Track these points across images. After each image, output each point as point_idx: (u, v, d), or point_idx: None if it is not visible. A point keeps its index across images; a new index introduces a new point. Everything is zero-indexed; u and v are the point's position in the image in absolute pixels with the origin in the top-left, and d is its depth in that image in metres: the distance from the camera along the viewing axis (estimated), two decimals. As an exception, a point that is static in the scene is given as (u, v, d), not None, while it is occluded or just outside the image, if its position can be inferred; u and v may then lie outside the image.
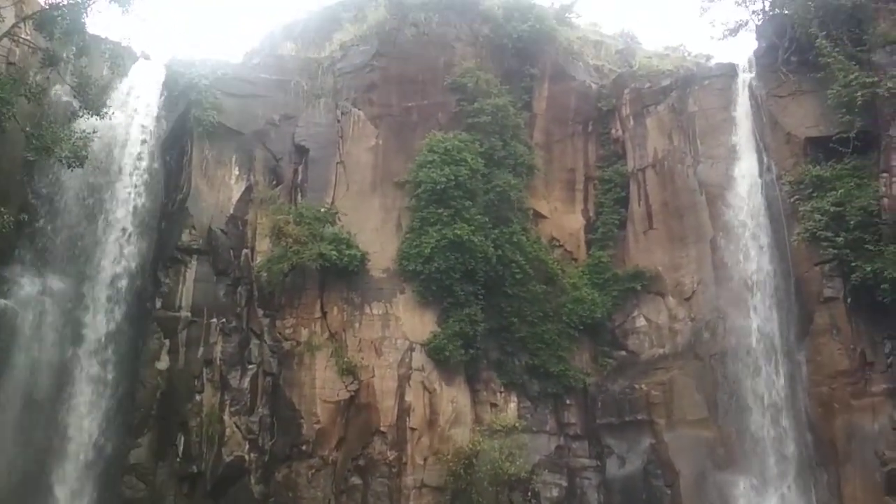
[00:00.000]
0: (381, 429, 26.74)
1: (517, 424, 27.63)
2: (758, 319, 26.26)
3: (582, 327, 29.20)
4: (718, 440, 25.54)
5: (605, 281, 29.99)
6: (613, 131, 32.39)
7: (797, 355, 25.21)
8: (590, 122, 33.06)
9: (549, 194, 31.92)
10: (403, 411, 26.96)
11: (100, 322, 24.22)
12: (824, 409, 24.07)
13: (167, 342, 25.71)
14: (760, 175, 27.54)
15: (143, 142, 27.01)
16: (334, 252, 27.10)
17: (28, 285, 23.20)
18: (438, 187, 28.06)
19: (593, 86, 33.56)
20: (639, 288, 29.31)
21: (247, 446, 25.95)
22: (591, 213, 31.92)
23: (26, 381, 21.97)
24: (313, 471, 25.92)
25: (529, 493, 26.39)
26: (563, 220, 31.78)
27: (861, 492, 22.74)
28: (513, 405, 28.66)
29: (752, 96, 28.56)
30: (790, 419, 24.83)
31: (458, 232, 27.50)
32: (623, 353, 29.19)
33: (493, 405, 28.55)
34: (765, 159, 27.66)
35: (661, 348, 28.39)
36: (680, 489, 25.39)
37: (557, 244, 31.42)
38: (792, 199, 26.15)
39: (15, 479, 21.34)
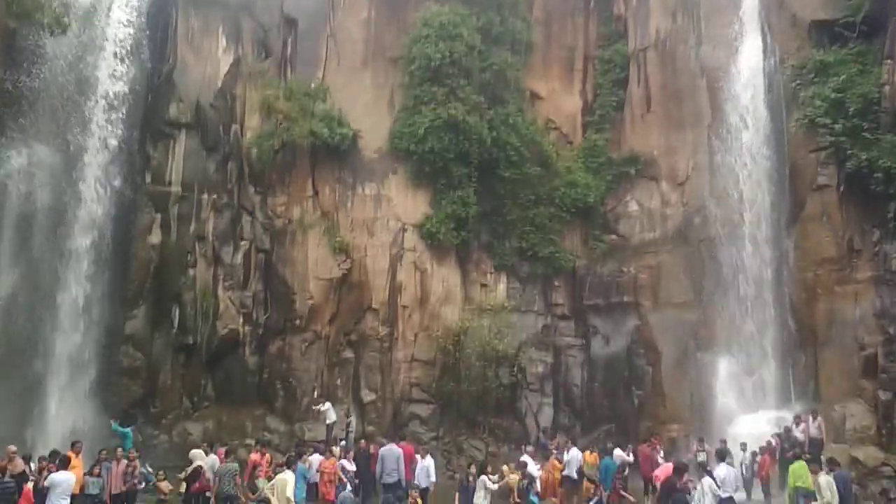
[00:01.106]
0: (373, 306, 27.27)
1: (506, 304, 28.20)
2: (749, 205, 26.25)
3: (574, 211, 29.21)
4: (702, 322, 26.12)
5: (599, 165, 29.75)
6: (615, 9, 31.19)
7: (785, 241, 25.42)
8: (591, -2, 31.82)
9: (546, 74, 31.07)
10: (395, 289, 27.41)
11: (90, 194, 23.99)
12: (808, 295, 24.53)
13: (158, 217, 25.73)
14: (763, 59, 26.76)
15: (128, 7, 25.79)
16: (325, 130, 26.68)
17: (15, 157, 22.82)
18: (433, 64, 27.26)
19: (596, -40, 32.05)
20: (633, 172, 29.11)
21: (241, 320, 26.52)
22: (589, 96, 31.20)
23: (20, 254, 21.97)
24: (306, 344, 26.63)
25: (516, 369, 27.24)
26: (561, 101, 31.10)
27: (837, 374, 23.50)
28: (502, 286, 29.12)
29: (759, -24, 27.38)
30: (774, 304, 25.30)
31: (453, 112, 26.94)
32: (613, 236, 29.36)
33: (483, 285, 29.01)
34: (769, 42, 26.80)
35: (652, 233, 28.53)
36: (661, 368, 26.21)
37: (553, 126, 30.91)
38: (793, 85, 25.60)
39: (16, 342, 21.65)
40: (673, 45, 28.91)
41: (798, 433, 20.41)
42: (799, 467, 15.58)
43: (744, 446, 20.34)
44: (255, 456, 17.13)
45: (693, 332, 26.23)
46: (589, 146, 30.23)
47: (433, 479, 17.84)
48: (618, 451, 19.44)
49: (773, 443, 20.55)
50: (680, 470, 13.58)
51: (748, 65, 26.90)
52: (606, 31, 31.47)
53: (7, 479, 13.84)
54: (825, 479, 12.32)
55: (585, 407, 27.62)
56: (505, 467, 17.54)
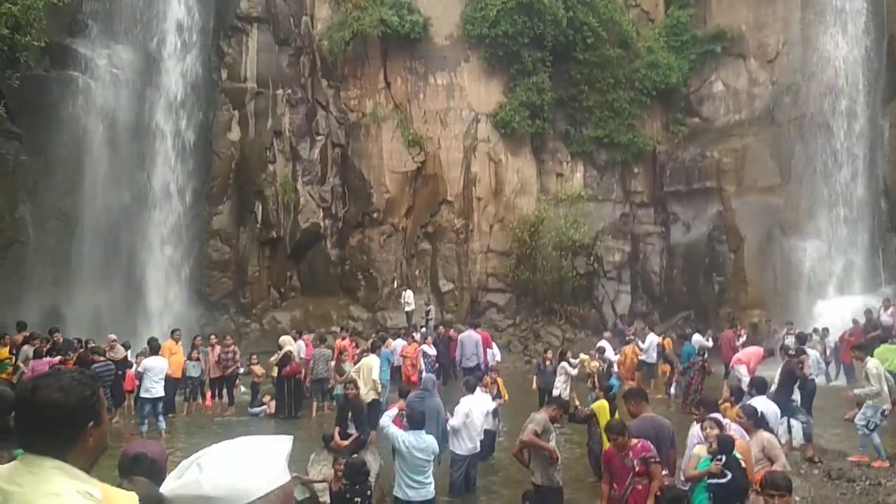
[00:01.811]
0: (448, 198, 27.36)
1: (582, 193, 27.79)
2: (843, 81, 24.64)
3: (655, 94, 28.04)
4: (788, 206, 25.19)
5: (682, 43, 28.23)
6: None
7: (881, 120, 23.90)
8: None
9: (626, -52, 29.19)
10: (469, 181, 27.34)
11: (171, 90, 24.45)
12: (904, 175, 23.24)
13: (236, 113, 26.07)
14: (866, -80, 24.37)
15: None
16: (396, 18, 26.08)
17: (97, 58, 23.29)
18: (504, -59, 25.94)
19: None
20: (719, 50, 27.57)
21: (321, 214, 27.12)
22: (672, -32, 29.26)
23: (107, 153, 22.75)
24: (385, 236, 27.12)
25: (592, 258, 27.13)
26: (641, -24, 29.31)
27: (930, 255, 22.53)
28: (579, 174, 28.65)
29: None
30: (865, 184, 24.12)
31: (526, -9, 25.80)
32: (696, 119, 28.22)
33: (559, 175, 28.60)
34: None
35: (738, 114, 27.27)
36: (744, 254, 25.59)
37: (633, 4, 29.34)
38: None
39: (116, 242, 22.78)
40: None
41: (886, 317, 19.80)
42: (885, 350, 15.24)
43: (826, 331, 19.93)
44: (341, 342, 17.91)
45: (778, 216, 25.36)
46: (672, 23, 28.63)
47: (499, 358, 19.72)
48: (696, 337, 19.39)
49: (857, 327, 20.07)
50: (798, 352, 13.59)
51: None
52: None
53: (108, 361, 14.91)
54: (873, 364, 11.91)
55: (664, 294, 27.47)
56: (584, 355, 17.80)
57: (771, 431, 8.82)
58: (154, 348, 15.38)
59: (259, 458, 1.94)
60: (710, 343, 19.67)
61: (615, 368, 17.66)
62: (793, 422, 12.33)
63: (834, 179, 24.63)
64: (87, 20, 23.78)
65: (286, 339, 17.30)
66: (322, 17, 27.22)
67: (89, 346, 15.87)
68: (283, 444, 1.99)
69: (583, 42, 27.30)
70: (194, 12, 24.96)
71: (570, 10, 26.76)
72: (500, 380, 14.28)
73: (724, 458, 7.15)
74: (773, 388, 12.46)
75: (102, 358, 14.66)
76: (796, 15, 25.98)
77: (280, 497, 1.95)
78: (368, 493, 8.17)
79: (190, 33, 24.78)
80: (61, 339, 16.78)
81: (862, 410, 11.66)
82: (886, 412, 11.57)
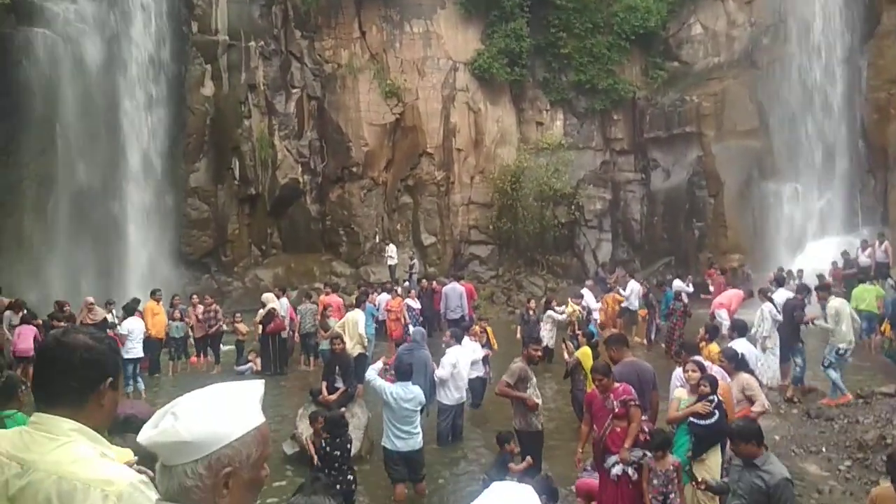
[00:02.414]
0: (428, 150, 27.14)
1: (563, 142, 27.70)
2: (821, 21, 24.50)
3: (633, 38, 27.72)
4: (767, 150, 25.24)
5: (661, -15, 27.82)
6: None
7: (858, 59, 23.87)
8: None
9: None
10: (449, 132, 27.10)
11: (140, 44, 23.82)
12: (880, 116, 23.31)
13: (208, 68, 25.45)
14: None
15: None
16: (369, -36, 25.46)
17: (63, 13, 22.57)
18: None
19: None
20: (697, -9, 27.23)
21: (299, 169, 26.81)
22: None
23: (78, 110, 22.24)
24: (365, 191, 26.92)
25: (573, 207, 27.17)
26: (618, -84, 28.69)
27: (907, 198, 22.75)
28: (559, 123, 28.48)
29: None
30: (843, 126, 24.20)
31: (502, -67, 25.25)
32: (675, 64, 28.01)
33: (539, 124, 28.41)
34: None
35: (717, 57, 27.10)
36: (724, 199, 25.69)
37: (611, -54, 28.74)
38: None
39: (90, 191, 22.40)
40: None
41: (864, 258, 20.08)
42: (862, 290, 15.50)
43: (800, 273, 20.13)
44: (325, 297, 17.90)
45: (758, 160, 25.43)
46: (649, -34, 28.16)
47: None
48: (677, 282, 19.56)
49: (836, 268, 20.35)
50: (801, 290, 13.97)
51: None
52: None
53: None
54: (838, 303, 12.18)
55: (644, 241, 27.64)
56: (572, 303, 17.92)
57: (751, 373, 8.97)
58: (130, 309, 15.31)
59: (233, 402, 1.96)
60: (691, 288, 19.85)
61: (594, 316, 17.80)
62: (797, 360, 12.61)
63: (812, 121, 24.66)
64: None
65: (269, 297, 17.23)
66: (293, -36, 26.49)
67: (51, 313, 15.59)
68: (255, 389, 2.01)
69: (561, -15, 26.85)
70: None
71: (547, -47, 26.26)
72: (489, 329, 14.37)
73: (715, 398, 7.26)
74: (763, 328, 12.71)
75: (61, 324, 14.35)
76: (775, -46, 25.64)
77: (256, 438, 1.96)
78: (348, 446, 8.24)
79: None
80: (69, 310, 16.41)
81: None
82: (842, 351, 11.85)
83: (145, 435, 1.91)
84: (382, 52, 27.02)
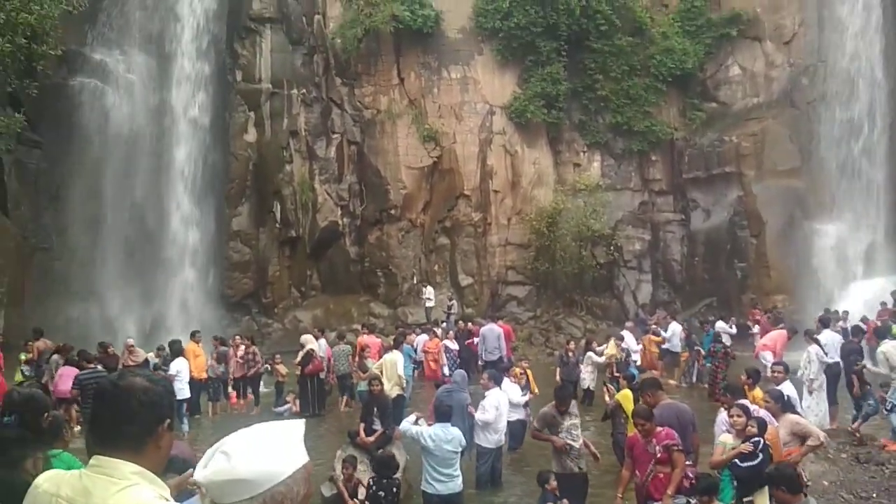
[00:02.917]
0: (465, 192, 27.33)
1: (600, 183, 27.64)
2: (863, 61, 24.29)
3: (671, 80, 27.77)
4: (810, 189, 24.90)
5: (697, 28, 27.94)
6: None
7: (904, 97, 23.59)
8: None
9: (638, -68, 28.92)
10: (486, 174, 27.29)
11: (187, 93, 24.64)
12: (927, 153, 22.92)
13: (252, 115, 26.19)
14: None
15: None
16: (407, 13, 26.05)
17: (113, 63, 23.51)
18: (515, -68, 25.85)
19: None
20: (734, 33, 27.26)
21: (339, 212, 27.24)
22: (685, -48, 28.96)
23: (126, 157, 22.97)
24: (403, 232, 27.16)
25: (612, 247, 26.99)
26: (654, -39, 29.04)
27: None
28: (596, 164, 28.48)
29: None
30: (887, 164, 23.79)
31: (538, -19, 25.68)
32: (713, 104, 27.93)
33: (576, 165, 28.45)
34: None
35: (755, 97, 26.97)
36: (766, 239, 25.32)
37: (646, -11, 29.04)
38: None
39: (136, 235, 22.96)
40: None
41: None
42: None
43: (846, 314, 19.69)
44: (364, 338, 17.97)
45: (800, 200, 25.08)
46: (686, 8, 28.35)
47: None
48: (720, 324, 19.24)
49: (885, 309, 19.82)
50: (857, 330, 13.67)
51: None
52: None
53: (96, 367, 14.66)
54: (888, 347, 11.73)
55: (685, 282, 27.28)
56: (612, 344, 17.69)
57: (797, 414, 8.74)
58: (177, 351, 15.51)
59: (282, 440, 2.02)
60: (734, 330, 19.49)
61: (633, 357, 17.54)
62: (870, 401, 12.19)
63: (855, 160, 24.30)
64: (101, 27, 23.98)
65: (307, 338, 17.36)
66: (334, 16, 27.27)
67: (79, 351, 15.73)
68: (298, 427, 2.07)
69: (596, 30, 27.13)
70: (207, 15, 25.09)
71: (582, -1, 26.61)
72: (529, 371, 14.24)
73: (760, 441, 7.09)
74: (809, 370, 12.40)
75: (91, 365, 14.44)
76: (813, -5, 25.65)
77: (304, 476, 2.02)
78: (394, 489, 8.18)
79: (203, 36, 24.93)
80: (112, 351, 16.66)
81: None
82: None
83: (200, 474, 1.95)
84: (421, 97, 27.47)
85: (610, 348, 17.05)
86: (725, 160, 26.37)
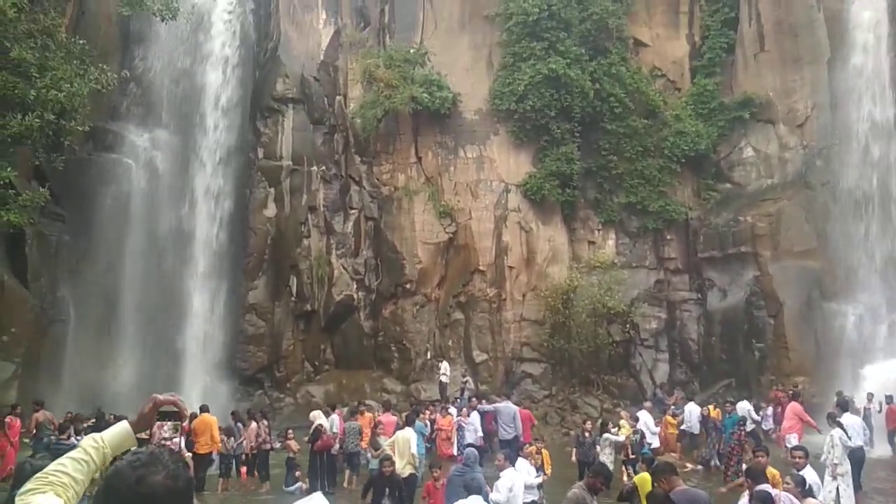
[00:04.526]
0: (480, 268, 27.41)
1: (616, 260, 27.66)
2: (878, 146, 24.55)
3: (684, 161, 28.13)
4: (826, 270, 24.78)
5: (710, 111, 28.46)
6: (722, -55, 29.56)
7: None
8: (696, -65, 30.26)
9: (650, 20, 29.89)
10: (501, 251, 27.42)
11: (208, 170, 25.22)
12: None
13: (272, 191, 26.70)
14: (889, -17, 24.77)
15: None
16: (426, 95, 26.77)
17: (138, 140, 24.21)
18: (531, 19, 26.77)
19: None
20: (747, 116, 27.72)
21: (354, 286, 27.34)
22: (697, 38, 29.79)
23: (146, 232, 23.37)
24: (418, 307, 27.15)
25: (628, 326, 26.77)
26: (666, 47, 29.87)
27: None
28: (611, 242, 28.57)
29: None
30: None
31: (553, 66, 26.40)
32: (728, 185, 28.16)
33: (591, 243, 28.55)
34: (893, -32, 24.79)
35: (770, 179, 27.19)
36: (784, 319, 25.05)
37: (659, 74, 29.79)
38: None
39: (153, 315, 23.12)
40: (786, -22, 27.18)
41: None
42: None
43: (870, 396, 19.30)
44: (378, 416, 17.73)
45: (818, 280, 24.93)
46: (698, 92, 28.97)
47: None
48: (742, 404, 18.80)
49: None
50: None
51: (870, -8, 25.00)
52: (712, -31, 29.89)
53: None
54: None
55: (703, 362, 26.89)
56: (623, 417, 17.30)
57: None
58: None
59: None
60: (759, 416, 19.04)
61: (648, 439, 17.12)
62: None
63: (872, 241, 24.24)
64: (129, 104, 24.80)
65: (316, 414, 17.17)
66: (355, 97, 28.09)
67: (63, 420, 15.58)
68: (319, 499, 2.06)
69: (610, 112, 27.70)
70: (232, 96, 25.90)
71: (596, 83, 27.28)
72: (545, 451, 13.93)
73: None
74: (833, 455, 12.05)
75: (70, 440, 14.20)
76: (824, 80, 26.14)
77: None
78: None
79: (227, 115, 25.67)
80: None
81: None
82: None
83: None
84: (437, 175, 27.94)
85: (624, 428, 16.70)
86: (741, 240, 26.40)
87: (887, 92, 24.48)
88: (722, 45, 28.97)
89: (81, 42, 20.61)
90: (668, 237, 28.40)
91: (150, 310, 23.24)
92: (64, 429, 15.40)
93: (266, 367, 26.06)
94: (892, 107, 24.39)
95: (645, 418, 17.67)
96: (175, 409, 2.81)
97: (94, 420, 16.36)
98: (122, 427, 2.64)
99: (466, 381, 24.91)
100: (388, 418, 17.43)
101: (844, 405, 15.11)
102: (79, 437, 14.71)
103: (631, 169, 28.09)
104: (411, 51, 27.99)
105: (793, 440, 14.52)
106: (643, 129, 28.07)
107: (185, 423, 15.57)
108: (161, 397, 2.74)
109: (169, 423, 2.77)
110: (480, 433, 18.25)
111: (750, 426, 17.55)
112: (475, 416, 18.69)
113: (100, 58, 21.33)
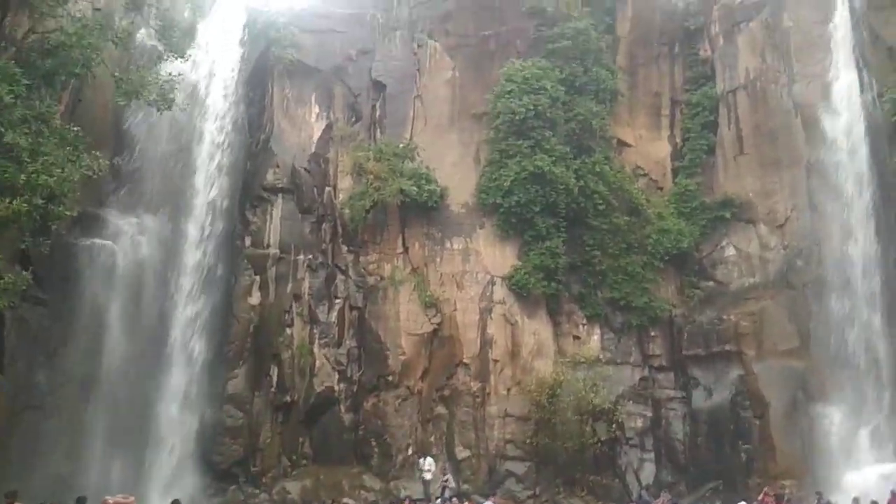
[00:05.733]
0: (465, 360, 27.16)
1: (600, 356, 27.57)
2: (857, 247, 25.03)
3: (667, 258, 28.54)
4: (812, 370, 24.83)
5: (692, 210, 29.10)
6: (702, 52, 31.01)
7: (897, 280, 24.07)
8: (676, 42, 31.66)
9: (633, 121, 30.92)
10: (486, 343, 27.25)
11: (194, 259, 25.13)
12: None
13: (258, 278, 26.53)
14: (860, 93, 25.86)
15: (227, 83, 27.24)
16: (414, 188, 27.20)
17: (125, 226, 24.21)
18: (517, 118, 27.55)
19: (680, 3, 31.96)
20: (728, 216, 28.33)
21: (336, 377, 26.87)
22: (678, 140, 30.79)
23: (128, 319, 23.09)
24: (400, 400, 26.67)
25: (613, 424, 26.36)
26: (649, 147, 30.79)
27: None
28: (596, 337, 28.50)
29: (851, 9, 26.72)
30: (887, 347, 23.83)
31: (539, 163, 27.02)
32: (711, 283, 28.47)
33: (576, 337, 28.48)
34: (865, 77, 25.95)
35: (752, 278, 27.54)
36: (770, 420, 24.85)
37: (642, 173, 30.56)
38: (894, 119, 24.54)
39: (129, 397, 22.54)
40: (764, 85, 28.40)
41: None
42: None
43: (856, 501, 19.03)
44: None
45: (802, 381, 24.96)
46: (680, 191, 29.68)
47: None
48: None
49: (893, 497, 19.12)
50: None
51: (844, 101, 26.13)
52: (693, 74, 31.20)
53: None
54: None
55: (689, 463, 26.44)
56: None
57: None
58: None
59: None
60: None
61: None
62: None
63: (855, 342, 24.37)
64: (118, 190, 24.94)
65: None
66: (344, 188, 28.46)
67: None
68: None
69: (594, 209, 28.21)
70: (222, 186, 26.12)
71: (581, 180, 27.87)
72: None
73: None
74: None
75: None
76: (803, 182, 26.92)
77: None
78: None
79: (216, 204, 25.82)
80: None
81: None
82: None
83: None
84: (423, 265, 28.04)
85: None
86: (725, 339, 26.49)
87: (863, 197, 25.12)
88: (702, 147, 29.92)
89: (76, 129, 20.84)
90: (653, 334, 28.42)
91: (125, 399, 22.64)
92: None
93: (241, 461, 25.13)
94: (872, 213, 24.97)
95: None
96: None
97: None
98: None
99: (447, 479, 24.26)
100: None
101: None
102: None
103: (615, 265, 28.38)
104: (401, 145, 28.60)
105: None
106: (626, 226, 28.55)
107: None
108: (111, 500, 2.61)
109: None
110: None
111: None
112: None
113: (93, 145, 21.51)
